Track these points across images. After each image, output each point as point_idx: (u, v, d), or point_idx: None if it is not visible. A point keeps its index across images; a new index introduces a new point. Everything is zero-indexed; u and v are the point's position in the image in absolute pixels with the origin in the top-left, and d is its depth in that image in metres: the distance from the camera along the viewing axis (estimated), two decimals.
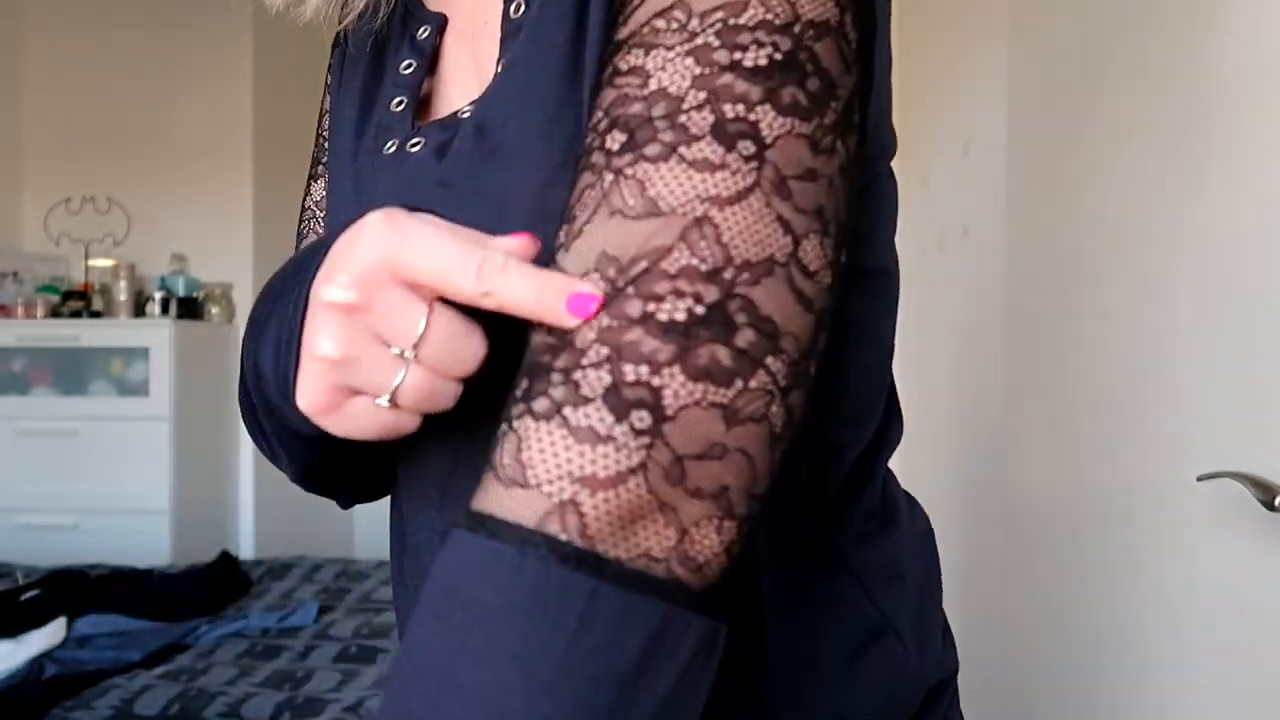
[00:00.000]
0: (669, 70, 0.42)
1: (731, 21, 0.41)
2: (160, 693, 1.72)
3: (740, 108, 0.40)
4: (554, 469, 0.38)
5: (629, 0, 0.45)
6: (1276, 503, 0.85)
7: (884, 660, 0.53)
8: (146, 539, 3.30)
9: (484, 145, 0.52)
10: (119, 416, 3.36)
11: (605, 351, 0.39)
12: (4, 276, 3.55)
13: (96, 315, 3.49)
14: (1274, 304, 0.90)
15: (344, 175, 0.62)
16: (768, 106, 0.41)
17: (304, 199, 0.75)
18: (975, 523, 1.81)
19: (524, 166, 0.50)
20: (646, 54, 0.42)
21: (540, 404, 0.39)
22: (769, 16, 0.41)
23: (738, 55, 0.41)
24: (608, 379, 0.38)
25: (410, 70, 0.60)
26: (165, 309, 3.46)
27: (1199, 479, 0.95)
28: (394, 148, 0.58)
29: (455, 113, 0.56)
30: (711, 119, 0.40)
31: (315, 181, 0.74)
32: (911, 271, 2.52)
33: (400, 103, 0.59)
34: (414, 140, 0.57)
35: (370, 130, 0.61)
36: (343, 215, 0.59)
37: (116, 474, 3.33)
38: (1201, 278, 1.01)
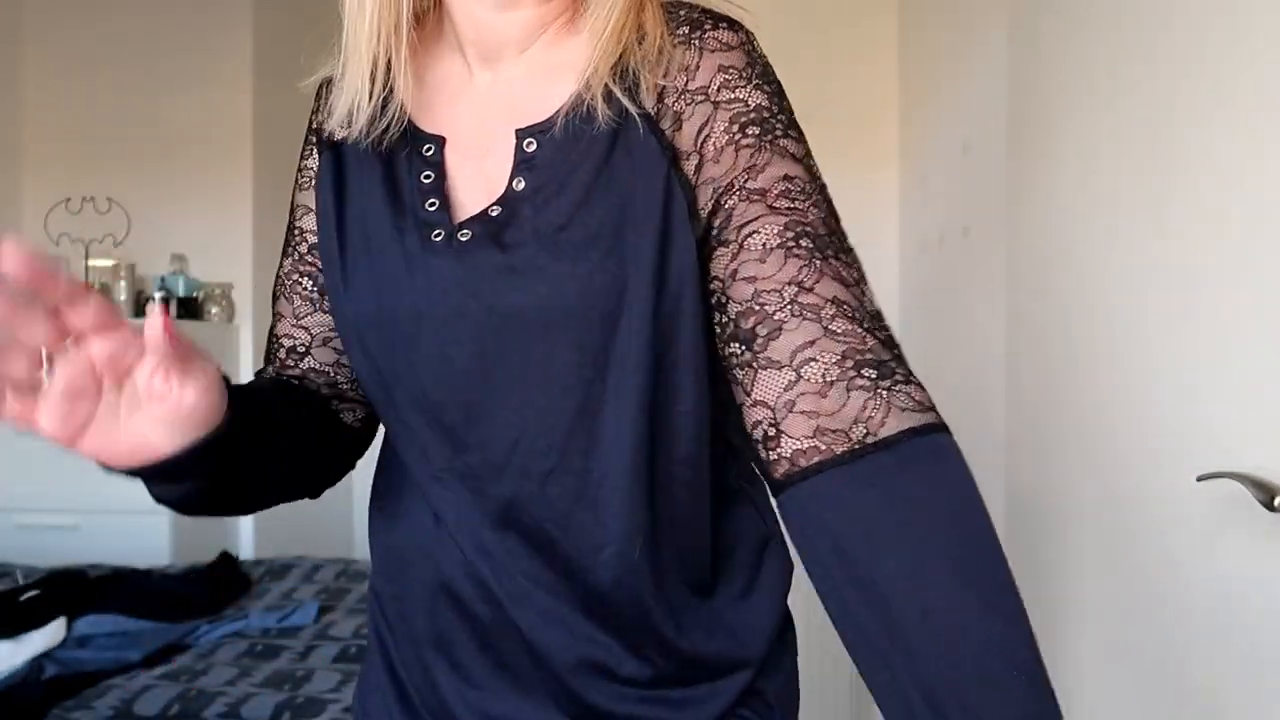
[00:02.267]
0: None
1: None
2: (160, 693, 1.72)
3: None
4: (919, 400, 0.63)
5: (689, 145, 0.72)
6: (1276, 503, 0.85)
7: (776, 554, 0.81)
8: (146, 539, 3.30)
9: (543, 244, 0.70)
10: None
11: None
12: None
13: None
14: (1274, 304, 0.90)
15: (389, 257, 0.75)
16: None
17: (281, 265, 0.90)
18: None
19: (575, 259, 0.69)
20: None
21: (884, 381, 0.62)
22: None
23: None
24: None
25: (430, 181, 0.77)
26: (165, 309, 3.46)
27: (1199, 479, 0.95)
28: (441, 236, 0.74)
29: (485, 211, 0.73)
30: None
31: (289, 259, 0.89)
32: (911, 271, 2.55)
33: (434, 204, 0.75)
34: (462, 231, 0.73)
35: (409, 223, 0.75)
36: (399, 287, 0.74)
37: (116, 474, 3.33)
38: (1201, 277, 1.01)
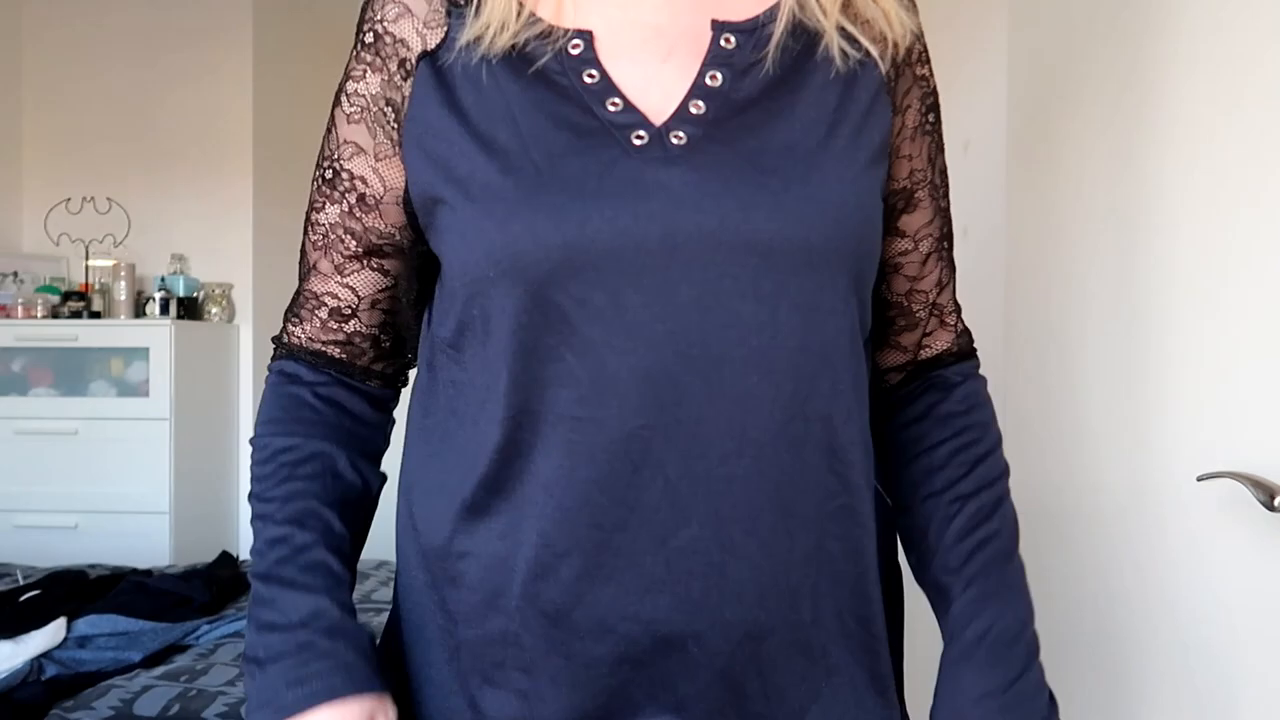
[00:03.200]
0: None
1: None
2: (160, 693, 1.72)
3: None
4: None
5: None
6: (1276, 503, 0.85)
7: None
8: (146, 539, 3.30)
9: (747, 145, 0.66)
10: (119, 416, 3.36)
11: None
12: (4, 276, 3.55)
13: (96, 315, 3.49)
14: (1275, 303, 0.90)
15: (559, 160, 0.65)
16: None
17: (319, 214, 0.76)
18: None
19: (790, 168, 0.66)
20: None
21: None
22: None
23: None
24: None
25: (595, 80, 0.68)
26: (165, 309, 3.46)
27: (1199, 479, 0.95)
28: (643, 139, 0.66)
29: (684, 108, 0.67)
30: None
31: (335, 206, 0.75)
32: None
33: (615, 104, 0.67)
34: (675, 133, 0.66)
35: (590, 132, 0.66)
36: (594, 199, 0.64)
37: (116, 474, 3.33)
38: (1201, 277, 1.01)
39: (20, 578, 2.43)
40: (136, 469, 3.33)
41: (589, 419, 0.64)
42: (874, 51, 0.70)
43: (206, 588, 2.31)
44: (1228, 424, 0.96)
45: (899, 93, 0.72)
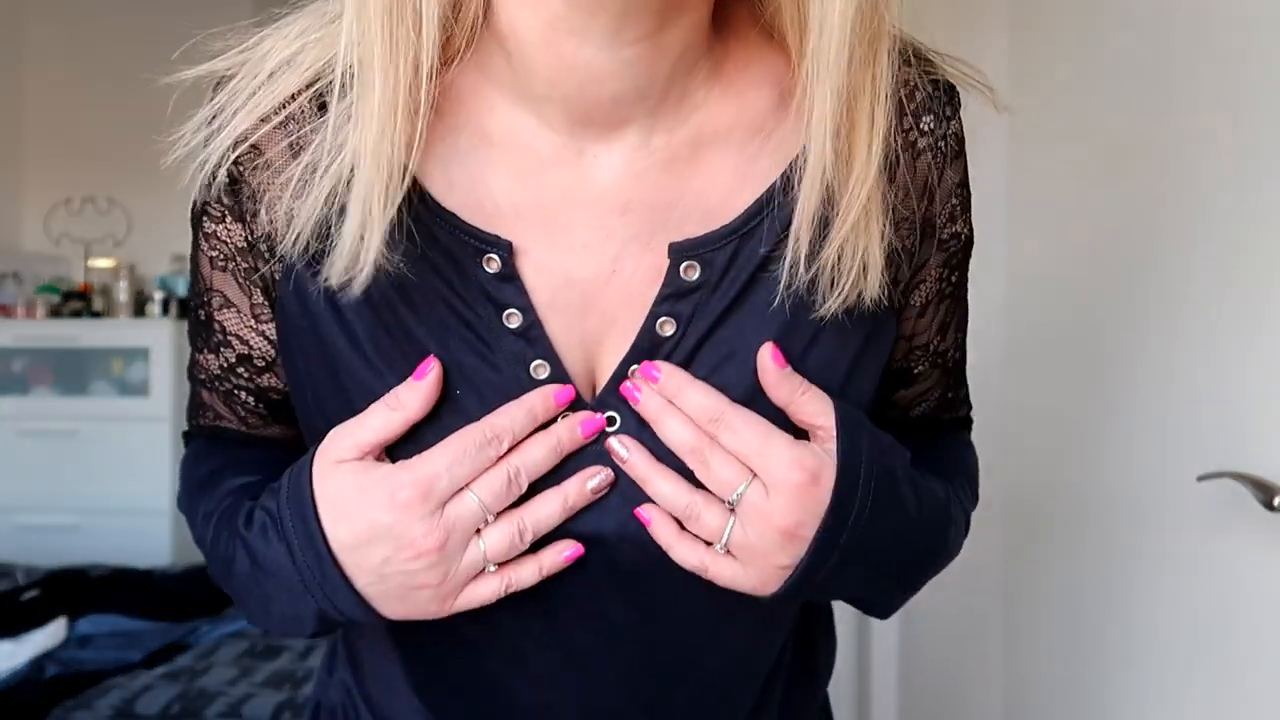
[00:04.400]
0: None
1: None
2: (160, 693, 1.72)
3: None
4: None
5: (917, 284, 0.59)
6: (1276, 503, 0.85)
7: None
8: (146, 539, 3.30)
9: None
10: (119, 416, 3.36)
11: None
12: (4, 276, 3.55)
13: (96, 315, 3.49)
14: (1275, 303, 0.90)
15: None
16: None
17: (201, 358, 0.62)
18: (975, 521, 1.81)
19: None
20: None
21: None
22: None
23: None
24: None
25: (519, 324, 0.52)
26: (165, 309, 3.46)
27: (1199, 479, 0.95)
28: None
29: (620, 377, 0.53)
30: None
31: (214, 357, 0.61)
32: None
33: (541, 367, 0.52)
34: (609, 416, 0.53)
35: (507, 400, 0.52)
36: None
37: (116, 474, 3.33)
38: (1201, 277, 1.01)
39: (20, 578, 2.43)
40: (136, 469, 3.33)
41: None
42: (874, 286, 0.52)
43: (206, 588, 2.31)
44: (1228, 424, 0.96)
45: (902, 281, 0.57)
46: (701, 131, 0.53)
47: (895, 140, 0.52)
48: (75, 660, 1.93)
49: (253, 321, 0.59)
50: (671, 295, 0.52)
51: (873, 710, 2.54)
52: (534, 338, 0.52)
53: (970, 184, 0.58)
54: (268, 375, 0.60)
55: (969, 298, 0.64)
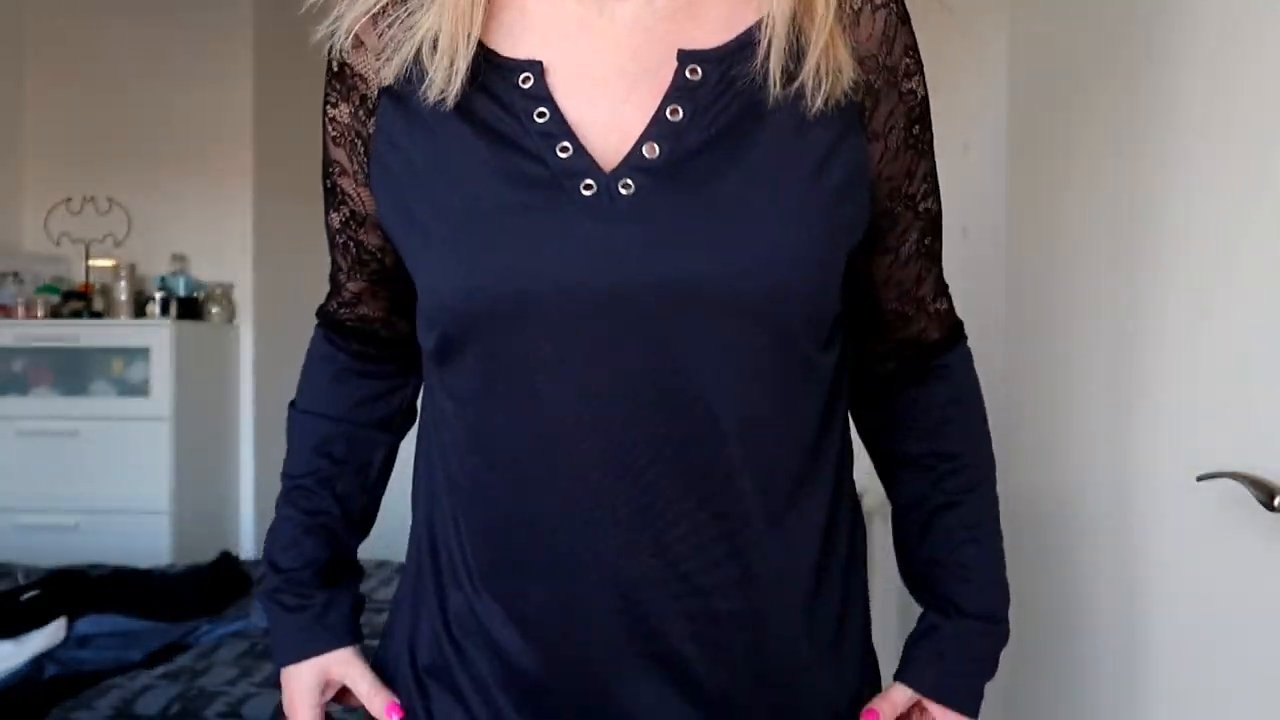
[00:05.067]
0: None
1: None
2: (160, 693, 1.72)
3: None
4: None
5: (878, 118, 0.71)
6: (1276, 503, 0.85)
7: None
8: (146, 539, 3.30)
9: (701, 193, 0.65)
10: (119, 416, 3.36)
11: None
12: (4, 276, 3.55)
13: (97, 315, 3.49)
14: (1275, 303, 0.90)
15: (514, 224, 0.66)
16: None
17: (328, 217, 0.80)
18: None
19: (740, 215, 0.65)
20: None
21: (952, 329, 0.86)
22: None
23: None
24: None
25: (546, 119, 0.66)
26: (165, 309, 3.46)
27: (1199, 479, 0.95)
28: (591, 188, 0.65)
29: (637, 150, 0.66)
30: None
31: (335, 213, 0.80)
32: None
33: (565, 149, 0.66)
34: (619, 178, 0.65)
35: (533, 179, 0.65)
36: (540, 262, 0.65)
37: (116, 474, 3.33)
38: (1201, 277, 1.01)
39: (20, 578, 2.43)
40: (136, 469, 3.33)
41: (536, 464, 0.68)
42: (847, 80, 0.67)
43: (206, 588, 2.31)
44: (1228, 424, 0.96)
45: (880, 117, 0.70)
46: None
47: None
48: (75, 660, 1.93)
49: (355, 186, 0.76)
50: (680, 88, 0.66)
51: None
52: (556, 128, 0.66)
53: (920, 53, 0.74)
54: (363, 231, 0.78)
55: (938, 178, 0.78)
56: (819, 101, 0.66)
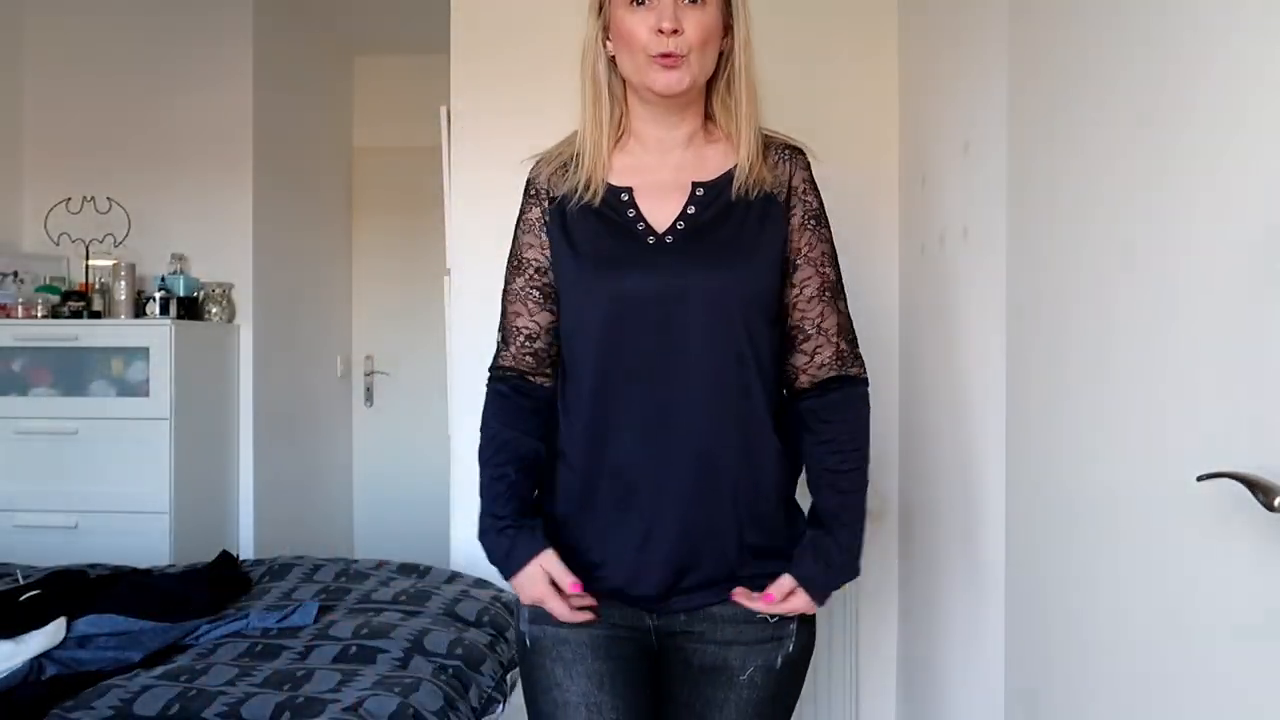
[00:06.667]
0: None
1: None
2: (160, 693, 1.71)
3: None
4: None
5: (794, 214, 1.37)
6: (1276, 503, 0.85)
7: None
8: (146, 539, 3.30)
9: (705, 238, 1.33)
10: (119, 416, 3.36)
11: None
12: (4, 276, 3.55)
13: (96, 315, 3.49)
14: (1275, 303, 0.90)
15: (623, 258, 1.33)
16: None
17: (512, 283, 1.44)
18: (975, 522, 1.81)
19: (732, 249, 1.33)
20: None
21: (848, 363, 1.40)
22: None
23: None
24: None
25: (633, 213, 1.35)
26: (165, 309, 3.46)
27: (1199, 479, 0.95)
28: (653, 239, 1.34)
29: (674, 225, 1.34)
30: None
31: (520, 278, 1.42)
32: (911, 271, 2.54)
33: (641, 225, 1.35)
34: (667, 236, 1.34)
35: (627, 235, 1.34)
36: (637, 274, 1.32)
37: (116, 474, 3.33)
38: (1201, 277, 1.01)
39: (20, 578, 2.43)
40: (136, 469, 3.33)
41: (629, 378, 1.33)
42: (775, 193, 1.35)
43: (206, 588, 2.31)
44: (1228, 424, 0.96)
45: (790, 209, 1.36)
46: (704, 150, 1.39)
47: (771, 153, 1.38)
48: (74, 660, 1.93)
49: (538, 250, 1.41)
50: (693, 198, 1.34)
51: (872, 710, 2.54)
52: (637, 213, 1.35)
53: (817, 190, 1.40)
54: (545, 276, 1.41)
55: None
56: (758, 202, 1.35)
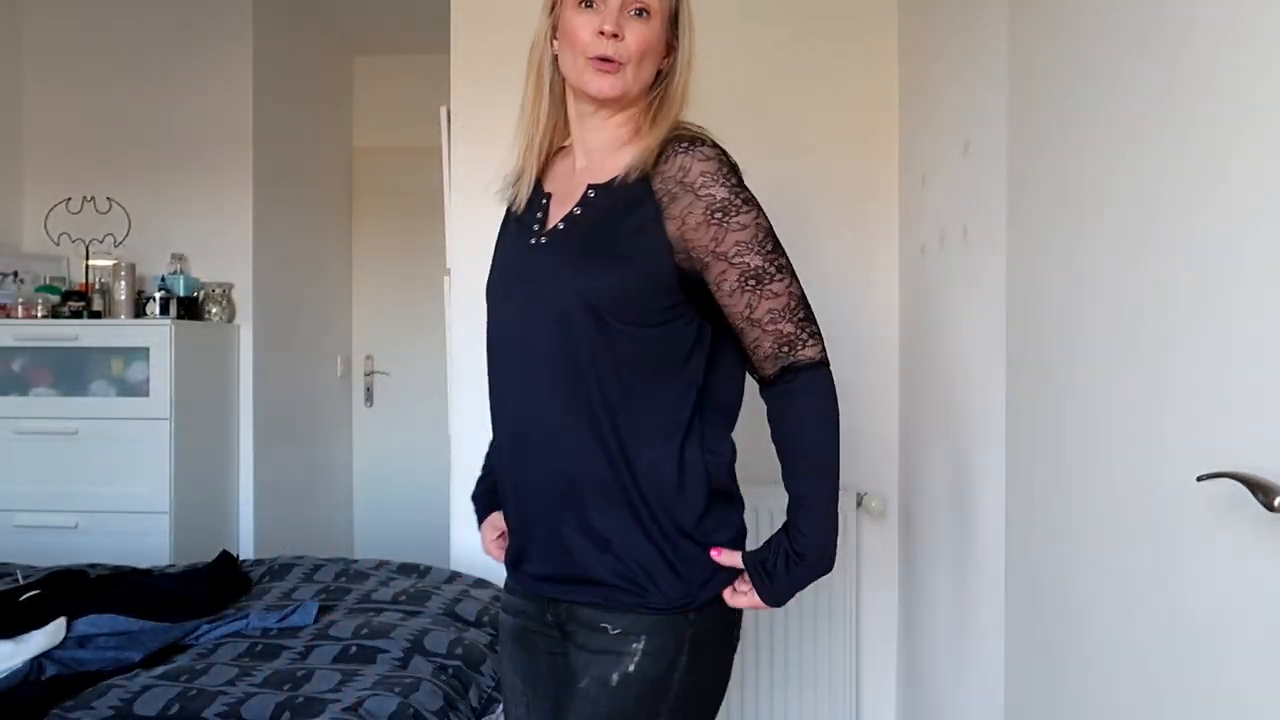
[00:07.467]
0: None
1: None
2: (160, 693, 1.72)
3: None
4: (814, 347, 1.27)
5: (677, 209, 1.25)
6: (1276, 503, 0.85)
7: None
8: (146, 539, 3.30)
9: (570, 240, 1.30)
10: (119, 416, 3.36)
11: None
12: (4, 276, 3.55)
13: (96, 315, 3.49)
14: (1276, 303, 0.90)
15: (516, 251, 1.36)
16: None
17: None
18: (975, 522, 1.81)
19: (585, 250, 1.29)
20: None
21: (795, 348, 1.26)
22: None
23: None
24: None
25: (541, 218, 1.35)
26: (165, 309, 3.46)
27: (1199, 479, 0.95)
28: (533, 241, 1.33)
29: (551, 230, 1.33)
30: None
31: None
32: (911, 271, 2.54)
33: (537, 225, 1.35)
34: (542, 236, 1.33)
35: (528, 235, 1.34)
36: (512, 269, 1.35)
37: (116, 474, 3.33)
38: (1202, 277, 1.01)
39: (20, 578, 2.43)
40: (136, 469, 3.33)
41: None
42: (658, 192, 1.25)
43: (206, 588, 2.31)
44: (1228, 424, 0.96)
45: (677, 207, 1.24)
46: (620, 153, 1.33)
47: (668, 147, 1.27)
48: (74, 660, 1.93)
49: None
50: (583, 201, 1.31)
51: (872, 710, 2.54)
52: (539, 224, 1.35)
53: (727, 179, 1.25)
54: None
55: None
56: (642, 202, 1.26)
